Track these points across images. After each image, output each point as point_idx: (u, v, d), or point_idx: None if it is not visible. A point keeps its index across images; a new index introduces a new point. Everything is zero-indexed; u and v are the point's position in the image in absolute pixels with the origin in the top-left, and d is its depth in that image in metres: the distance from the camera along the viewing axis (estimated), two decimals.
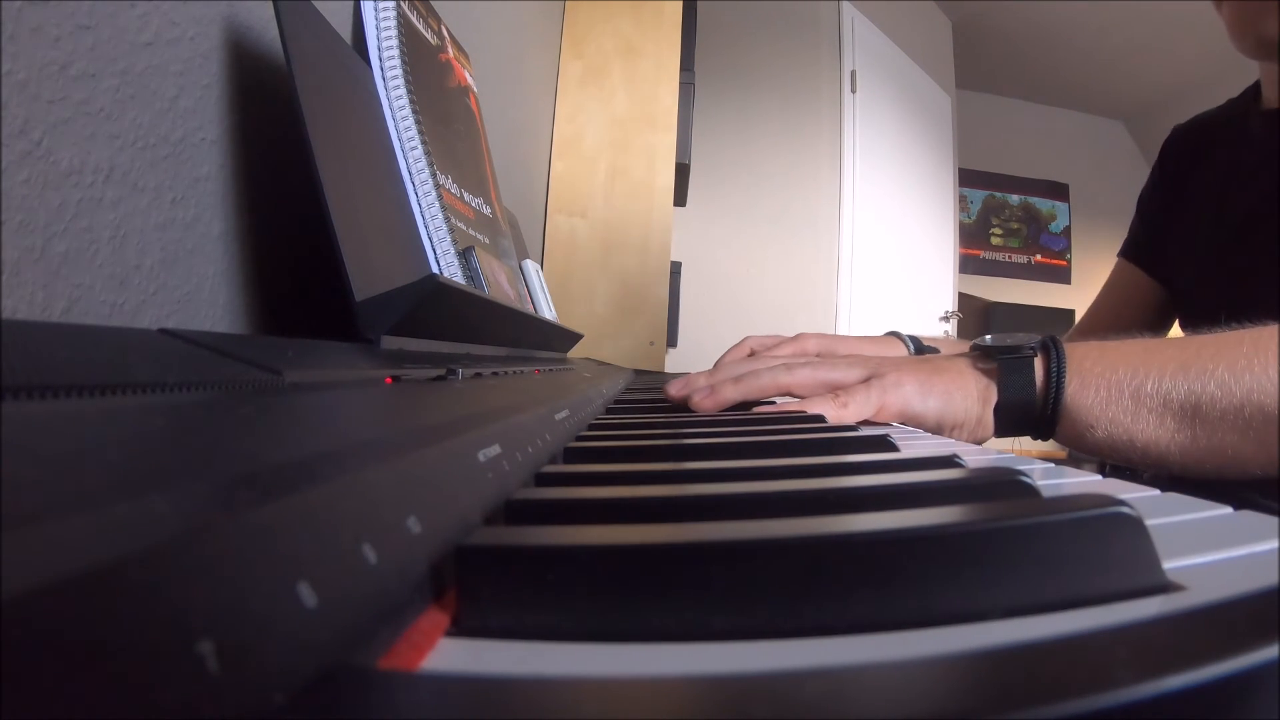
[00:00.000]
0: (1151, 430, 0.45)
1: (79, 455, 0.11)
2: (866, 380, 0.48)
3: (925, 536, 0.13)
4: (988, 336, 0.51)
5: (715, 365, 0.88)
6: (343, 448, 0.14)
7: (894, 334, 0.78)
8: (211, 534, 0.08)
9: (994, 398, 0.48)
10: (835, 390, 0.48)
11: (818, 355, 0.90)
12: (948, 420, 0.48)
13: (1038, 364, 0.48)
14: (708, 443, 0.33)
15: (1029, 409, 0.47)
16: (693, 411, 0.50)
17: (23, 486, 0.08)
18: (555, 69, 1.60)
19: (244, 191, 0.40)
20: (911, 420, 0.48)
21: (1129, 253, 0.92)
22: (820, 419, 0.43)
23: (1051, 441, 0.50)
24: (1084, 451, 0.49)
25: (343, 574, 0.10)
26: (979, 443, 0.49)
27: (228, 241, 0.39)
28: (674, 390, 0.52)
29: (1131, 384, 0.45)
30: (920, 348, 0.74)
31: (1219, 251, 0.78)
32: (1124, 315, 0.92)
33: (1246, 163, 0.77)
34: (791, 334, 0.76)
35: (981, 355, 0.51)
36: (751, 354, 0.91)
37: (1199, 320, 0.81)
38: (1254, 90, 0.78)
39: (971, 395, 0.48)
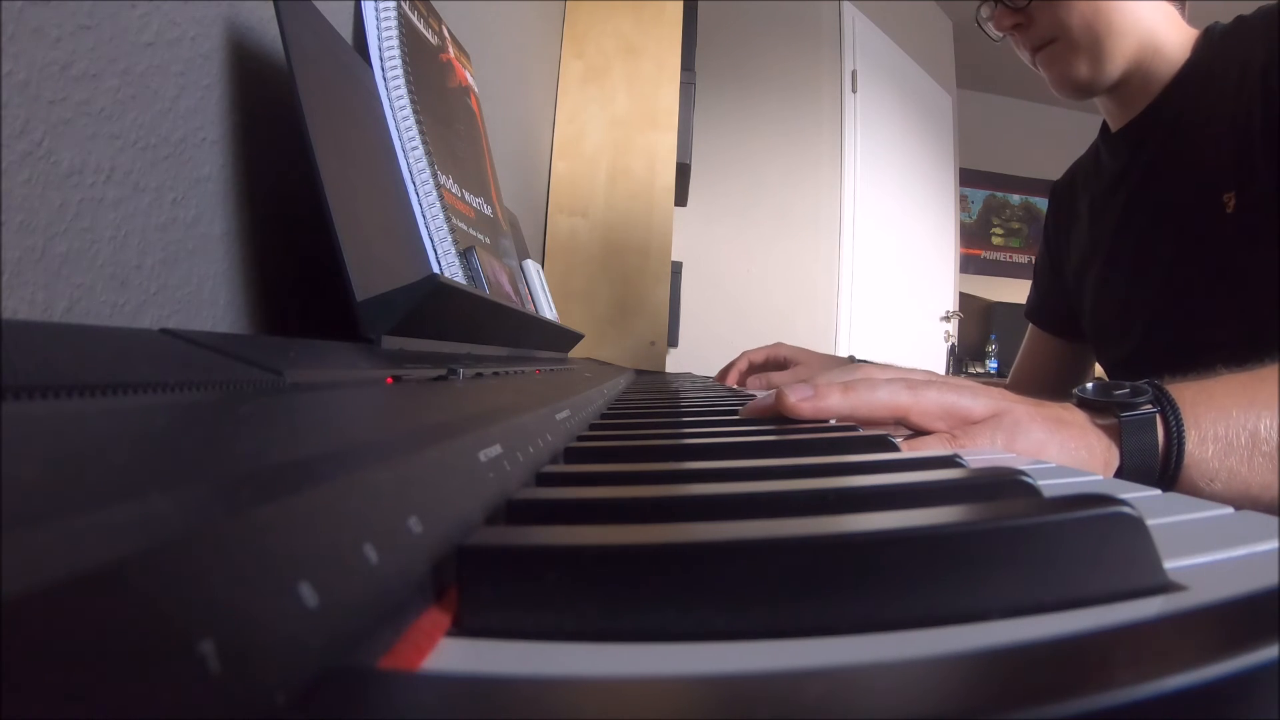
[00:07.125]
0: (1266, 474, 0.42)
1: (79, 455, 0.11)
2: (990, 419, 0.43)
3: (926, 536, 0.13)
4: (1089, 385, 0.46)
5: (721, 376, 0.88)
6: (344, 448, 0.14)
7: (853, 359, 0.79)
8: (213, 534, 0.08)
9: (1115, 461, 0.43)
10: (957, 424, 0.43)
11: (788, 359, 0.91)
12: None
13: (1158, 420, 0.43)
14: (708, 443, 0.33)
15: (1150, 473, 0.42)
16: (751, 421, 0.42)
17: (23, 486, 0.08)
18: (556, 69, 1.60)
19: (245, 191, 0.40)
20: None
21: (1032, 316, 0.99)
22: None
23: None
24: None
25: (344, 574, 0.10)
26: None
27: (229, 241, 0.39)
28: (756, 404, 0.43)
29: (1247, 427, 0.42)
30: None
31: (1098, 279, 0.83)
32: (1040, 373, 0.97)
33: (1104, 186, 0.83)
34: (790, 335, 0.77)
35: (1094, 410, 0.45)
36: (749, 366, 0.93)
37: (1113, 353, 0.85)
38: (1104, 125, 0.85)
39: (1096, 456, 0.43)
